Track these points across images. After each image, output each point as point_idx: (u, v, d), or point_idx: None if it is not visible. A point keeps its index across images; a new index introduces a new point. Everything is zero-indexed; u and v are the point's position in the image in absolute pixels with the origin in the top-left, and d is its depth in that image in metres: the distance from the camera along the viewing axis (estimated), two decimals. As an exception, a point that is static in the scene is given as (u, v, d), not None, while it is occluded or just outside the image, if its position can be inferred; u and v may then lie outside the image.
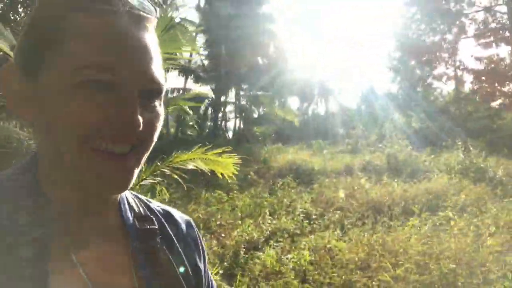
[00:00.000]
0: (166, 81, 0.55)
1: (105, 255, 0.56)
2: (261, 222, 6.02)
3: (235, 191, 8.21)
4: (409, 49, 13.67)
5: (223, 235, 5.47)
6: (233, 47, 18.45)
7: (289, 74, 35.15)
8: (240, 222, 6.06)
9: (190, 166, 2.98)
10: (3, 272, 0.46)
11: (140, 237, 0.60)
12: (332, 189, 8.06)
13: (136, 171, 0.53)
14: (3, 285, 0.45)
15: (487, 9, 13.65)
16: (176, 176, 3.03)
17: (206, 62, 19.90)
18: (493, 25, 13.22)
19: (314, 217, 6.40)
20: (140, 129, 0.49)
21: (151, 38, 0.53)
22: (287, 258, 4.50)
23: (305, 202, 7.05)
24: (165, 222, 0.66)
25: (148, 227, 0.62)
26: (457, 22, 12.99)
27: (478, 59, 13.39)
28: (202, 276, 0.67)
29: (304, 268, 4.28)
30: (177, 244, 0.65)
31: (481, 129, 15.08)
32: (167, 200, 4.49)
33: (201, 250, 0.70)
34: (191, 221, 0.73)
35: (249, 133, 18.10)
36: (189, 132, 20.42)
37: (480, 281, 3.44)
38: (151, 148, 0.55)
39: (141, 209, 0.65)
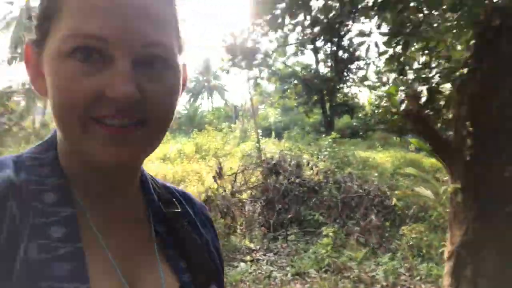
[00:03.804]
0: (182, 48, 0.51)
1: (129, 237, 0.54)
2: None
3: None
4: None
5: None
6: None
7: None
8: None
9: None
10: (39, 252, 0.44)
11: (166, 220, 0.59)
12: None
13: (145, 145, 0.49)
14: (42, 266, 0.44)
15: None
16: None
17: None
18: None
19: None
20: (137, 99, 0.45)
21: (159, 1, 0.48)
22: None
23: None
24: (185, 204, 0.66)
25: (174, 210, 0.61)
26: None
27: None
28: (221, 256, 0.69)
29: None
30: (199, 225, 0.65)
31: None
32: None
33: (215, 229, 0.72)
34: (203, 204, 0.73)
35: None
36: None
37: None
38: (166, 123, 0.50)
39: (162, 191, 0.64)
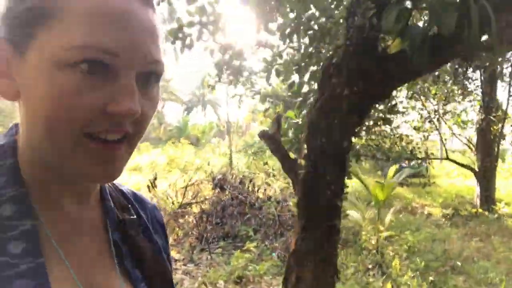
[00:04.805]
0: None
1: (88, 247, 0.53)
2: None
3: None
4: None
5: None
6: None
7: (165, 83, 36.57)
8: None
9: None
10: (0, 270, 0.42)
11: (121, 228, 0.58)
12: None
13: (127, 159, 0.49)
14: (4, 283, 0.42)
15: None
16: None
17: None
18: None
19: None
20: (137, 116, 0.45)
21: (153, 13, 0.49)
22: None
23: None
24: (138, 208, 0.64)
25: (129, 217, 0.60)
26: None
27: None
28: (171, 260, 0.68)
29: None
30: (152, 230, 0.64)
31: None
32: None
33: (166, 234, 0.70)
34: (156, 204, 0.71)
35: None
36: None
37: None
38: (143, 135, 0.50)
39: (118, 195, 0.62)
